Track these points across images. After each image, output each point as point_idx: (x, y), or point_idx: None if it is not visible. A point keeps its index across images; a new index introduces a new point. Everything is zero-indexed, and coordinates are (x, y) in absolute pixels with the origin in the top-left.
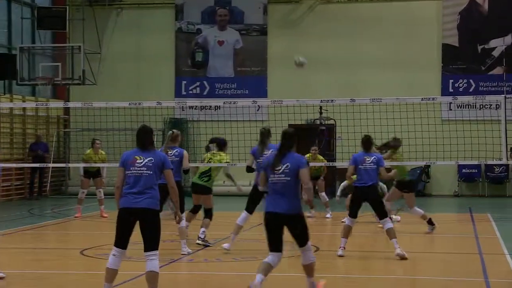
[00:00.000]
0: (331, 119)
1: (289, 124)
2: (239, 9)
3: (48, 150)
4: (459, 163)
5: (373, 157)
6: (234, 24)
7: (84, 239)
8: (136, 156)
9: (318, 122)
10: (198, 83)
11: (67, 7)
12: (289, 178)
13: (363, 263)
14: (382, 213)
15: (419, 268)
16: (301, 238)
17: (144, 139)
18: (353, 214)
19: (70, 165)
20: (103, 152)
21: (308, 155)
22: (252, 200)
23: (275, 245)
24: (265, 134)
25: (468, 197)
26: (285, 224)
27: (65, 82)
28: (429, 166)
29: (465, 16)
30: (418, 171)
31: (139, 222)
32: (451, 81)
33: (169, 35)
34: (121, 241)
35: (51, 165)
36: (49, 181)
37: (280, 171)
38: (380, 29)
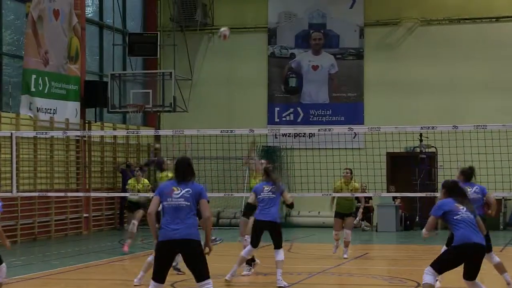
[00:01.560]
0: (432, 146)
1: (387, 152)
2: (334, 33)
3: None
4: None
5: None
6: (329, 48)
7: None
8: (173, 187)
9: (418, 150)
10: (291, 110)
11: (158, 33)
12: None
13: None
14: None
15: None
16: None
17: (184, 170)
18: None
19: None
20: (146, 181)
21: (338, 183)
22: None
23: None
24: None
25: None
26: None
27: (156, 109)
28: None
29: None
30: None
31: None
32: None
33: (262, 60)
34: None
35: (142, 194)
36: None
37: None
38: (484, 51)
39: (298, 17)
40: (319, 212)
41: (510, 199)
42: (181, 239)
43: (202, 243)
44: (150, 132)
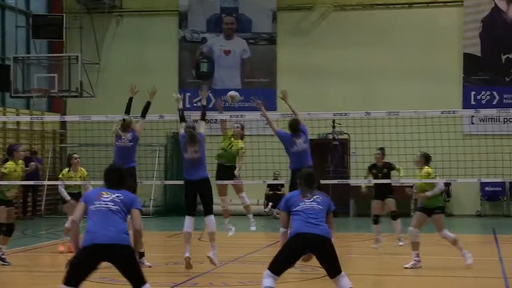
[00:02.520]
0: (345, 133)
1: None
2: (246, 17)
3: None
4: (482, 181)
5: None
6: (241, 33)
7: None
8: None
9: (330, 136)
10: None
11: (64, 14)
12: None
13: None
14: None
15: None
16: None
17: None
18: None
19: (68, 182)
20: (83, 169)
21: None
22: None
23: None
24: None
25: (491, 217)
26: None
27: (62, 94)
28: (449, 184)
29: (488, 24)
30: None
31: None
32: (473, 93)
33: (173, 44)
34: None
35: (46, 182)
36: (43, 200)
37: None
38: (397, 38)
39: (209, 0)
40: (230, 200)
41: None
42: (110, 243)
43: None
44: (56, 118)
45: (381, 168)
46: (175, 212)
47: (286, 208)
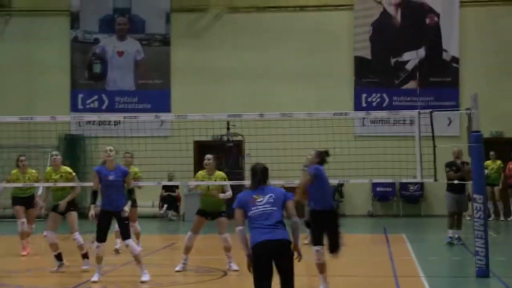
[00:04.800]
0: (239, 135)
1: (194, 141)
2: (139, 18)
3: None
4: (373, 181)
5: None
6: (134, 34)
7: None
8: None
9: (225, 138)
10: (96, 97)
11: None
12: None
13: None
14: None
15: None
16: None
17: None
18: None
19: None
20: (33, 171)
21: (200, 171)
22: None
23: None
24: None
25: (382, 217)
26: None
27: None
28: (342, 184)
29: (377, 27)
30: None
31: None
32: (364, 95)
33: (64, 44)
34: None
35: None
36: None
37: None
38: (290, 40)
39: (102, 0)
40: None
41: None
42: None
43: None
44: None
45: None
46: None
47: (239, 204)
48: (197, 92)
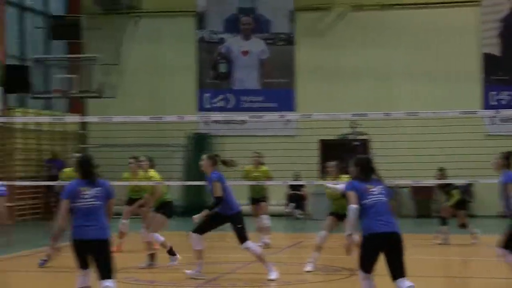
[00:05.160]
0: (365, 134)
1: (319, 140)
2: (264, 17)
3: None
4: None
5: None
6: (259, 33)
7: None
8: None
9: (350, 137)
10: (222, 96)
11: (82, 16)
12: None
13: None
14: None
15: None
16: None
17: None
18: None
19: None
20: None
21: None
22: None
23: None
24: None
25: None
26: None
27: (81, 94)
28: (471, 184)
29: (507, 23)
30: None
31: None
32: (493, 93)
33: (190, 45)
34: None
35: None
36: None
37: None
38: (416, 38)
39: (227, 1)
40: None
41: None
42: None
43: None
44: (76, 118)
45: None
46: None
47: (353, 189)
48: (321, 91)
